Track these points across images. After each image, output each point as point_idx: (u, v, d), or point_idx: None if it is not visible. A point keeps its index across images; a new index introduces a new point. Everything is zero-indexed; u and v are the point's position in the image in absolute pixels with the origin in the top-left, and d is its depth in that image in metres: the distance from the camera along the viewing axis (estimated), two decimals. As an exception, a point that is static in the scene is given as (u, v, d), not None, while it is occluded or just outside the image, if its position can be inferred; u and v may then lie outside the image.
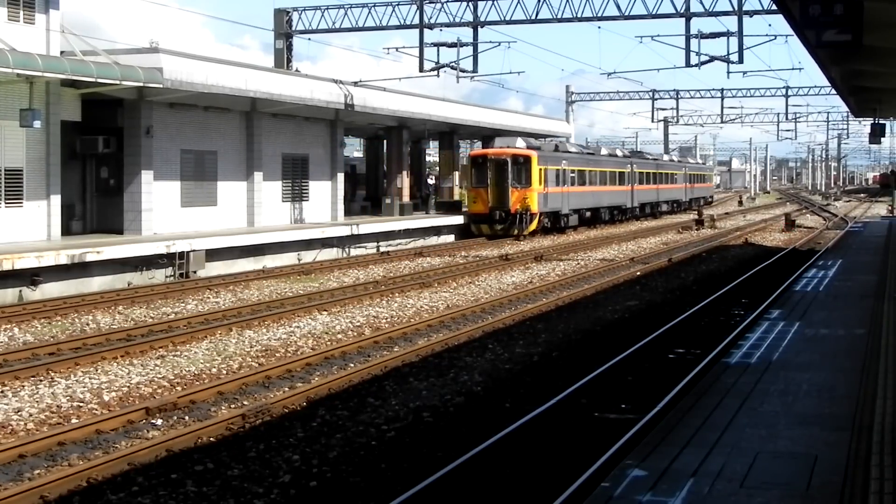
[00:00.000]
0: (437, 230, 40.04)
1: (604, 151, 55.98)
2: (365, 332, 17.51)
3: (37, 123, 23.44)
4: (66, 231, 26.58)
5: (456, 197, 47.67)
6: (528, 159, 41.01)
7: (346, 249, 33.67)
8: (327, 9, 38.87)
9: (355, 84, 36.05)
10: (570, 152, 47.15)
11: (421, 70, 35.64)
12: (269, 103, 31.97)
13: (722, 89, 68.97)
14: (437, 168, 53.04)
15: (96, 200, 28.87)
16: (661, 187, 61.46)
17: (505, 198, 40.37)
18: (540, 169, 41.27)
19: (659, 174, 61.13)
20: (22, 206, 24.71)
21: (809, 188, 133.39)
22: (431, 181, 46.20)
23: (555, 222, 43.38)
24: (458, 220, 41.65)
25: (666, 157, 69.35)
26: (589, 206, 47.77)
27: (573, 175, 45.52)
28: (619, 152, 58.41)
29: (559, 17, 35.25)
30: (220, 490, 9.07)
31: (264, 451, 10.20)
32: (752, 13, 33.97)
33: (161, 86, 26.06)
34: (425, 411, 11.86)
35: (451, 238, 40.67)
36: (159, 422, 11.40)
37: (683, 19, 34.61)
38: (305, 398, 12.35)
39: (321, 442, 10.58)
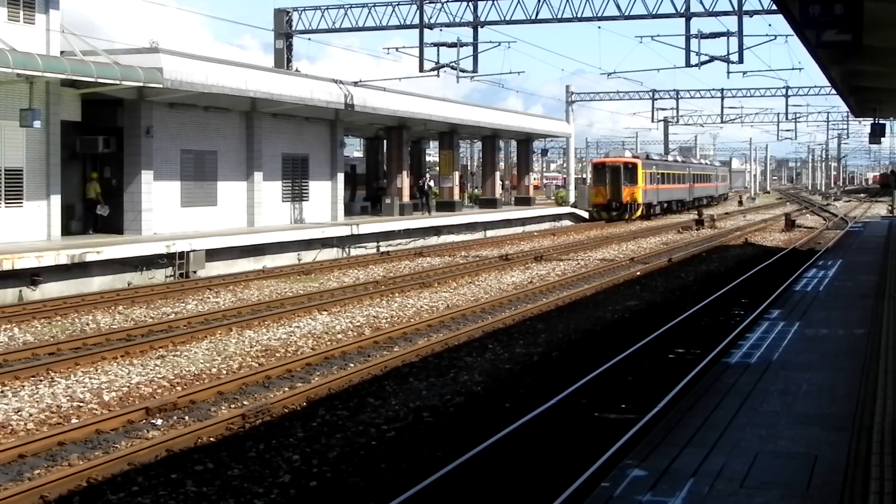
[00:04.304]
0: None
1: (669, 158, 69.02)
2: (365, 332, 17.51)
3: (37, 123, 23.43)
4: (66, 231, 26.57)
5: (456, 197, 47.67)
6: (635, 165, 55.19)
7: (346, 249, 33.67)
8: (327, 9, 38.87)
9: (355, 84, 36.03)
10: (654, 160, 61.10)
11: (421, 70, 35.62)
12: (269, 103, 31.97)
13: (722, 89, 68.85)
14: (438, 168, 53.01)
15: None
16: (705, 185, 76.07)
17: (619, 192, 54.48)
18: (643, 172, 55.36)
19: (703, 175, 75.98)
20: (22, 206, 24.70)
21: (809, 188, 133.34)
22: (431, 183, 45.81)
23: (647, 211, 57.10)
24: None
25: (704, 162, 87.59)
26: (667, 199, 62.26)
27: (659, 176, 59.59)
28: (679, 158, 73.64)
29: (559, 17, 35.24)
30: (220, 490, 9.07)
31: (264, 451, 10.20)
32: (752, 13, 33.94)
33: (161, 86, 26.04)
34: (425, 411, 11.86)
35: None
36: (159, 422, 11.40)
37: (683, 19, 34.59)
38: (305, 398, 12.35)
39: (321, 442, 10.58)
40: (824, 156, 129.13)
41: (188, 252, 25.72)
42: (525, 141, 58.57)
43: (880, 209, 69.00)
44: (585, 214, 57.21)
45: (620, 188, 54.48)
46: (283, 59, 39.79)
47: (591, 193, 57.14)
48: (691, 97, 69.53)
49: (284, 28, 39.83)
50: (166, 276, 25.25)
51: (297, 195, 35.37)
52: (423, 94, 42.81)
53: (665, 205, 61.86)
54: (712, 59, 35.50)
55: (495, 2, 35.61)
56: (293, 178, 35.16)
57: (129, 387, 13.08)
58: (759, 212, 71.54)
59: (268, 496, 8.94)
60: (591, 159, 72.28)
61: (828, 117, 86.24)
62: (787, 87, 65.05)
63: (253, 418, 11.30)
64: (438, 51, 35.98)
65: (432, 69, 35.70)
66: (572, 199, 60.00)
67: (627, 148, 58.97)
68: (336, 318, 19.01)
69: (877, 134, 38.60)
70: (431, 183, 45.62)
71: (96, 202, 27.99)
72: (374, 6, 37.89)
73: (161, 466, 9.68)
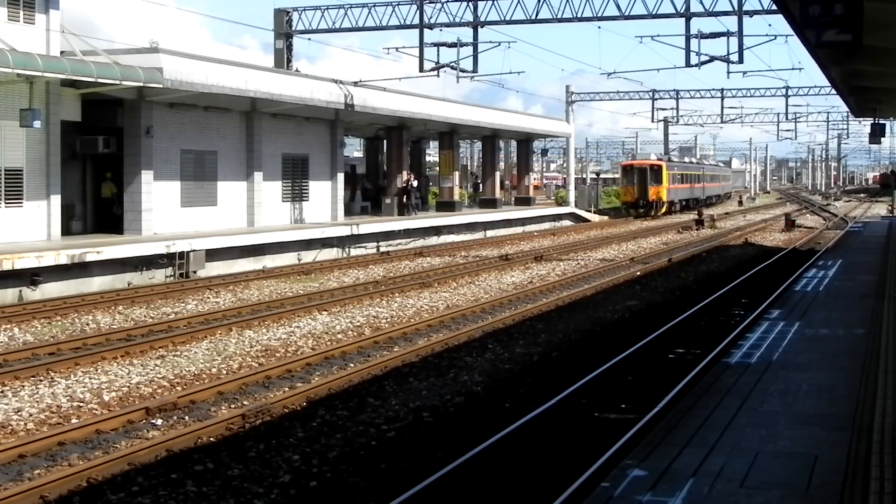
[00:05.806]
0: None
1: (686, 159, 77.11)
2: (365, 332, 17.51)
3: (37, 123, 23.43)
4: (66, 231, 26.57)
5: (456, 197, 47.60)
6: (660, 167, 60.86)
7: (346, 249, 33.67)
8: (327, 9, 38.86)
9: (355, 84, 36.02)
10: (675, 162, 68.01)
11: (421, 70, 35.59)
12: (269, 103, 31.95)
13: (722, 89, 68.68)
14: (438, 168, 52.90)
15: (96, 200, 28.85)
16: (713, 185, 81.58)
17: (646, 191, 60.13)
18: (667, 173, 61.20)
19: (713, 175, 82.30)
20: (22, 206, 24.70)
21: (809, 188, 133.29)
22: (415, 183, 44.32)
23: (669, 207, 62.56)
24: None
25: (713, 162, 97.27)
26: (685, 198, 67.73)
27: (678, 177, 65.61)
28: (694, 160, 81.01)
29: (559, 17, 35.22)
30: (220, 490, 9.07)
31: (264, 451, 10.20)
32: (752, 13, 33.91)
33: (161, 86, 26.03)
34: (425, 411, 11.86)
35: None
36: (159, 422, 11.41)
37: (683, 19, 34.57)
38: (305, 398, 12.35)
39: (321, 442, 10.58)
40: (824, 156, 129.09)
41: (188, 252, 25.72)
42: (525, 141, 58.56)
43: (880, 209, 69.01)
44: (586, 214, 57.45)
45: (647, 188, 59.99)
46: (283, 59, 39.78)
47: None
48: (691, 97, 69.38)
49: (284, 28, 39.82)
50: (166, 276, 25.25)
51: (297, 195, 35.36)
52: (423, 94, 42.78)
53: (684, 202, 67.22)
54: (712, 59, 35.47)
55: (495, 2, 35.60)
56: (293, 178, 35.15)
57: (129, 387, 13.08)
58: (758, 212, 71.58)
59: (268, 496, 8.94)
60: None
61: (828, 117, 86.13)
62: (787, 87, 64.94)
63: (253, 418, 11.30)
64: (438, 51, 35.97)
65: (432, 69, 35.67)
66: (572, 199, 60.01)
67: (627, 149, 63.34)
68: (336, 318, 19.01)
69: (877, 134, 38.57)
70: (415, 183, 44.49)
71: (112, 202, 28.09)
72: (374, 6, 37.88)
73: (161, 466, 9.68)
